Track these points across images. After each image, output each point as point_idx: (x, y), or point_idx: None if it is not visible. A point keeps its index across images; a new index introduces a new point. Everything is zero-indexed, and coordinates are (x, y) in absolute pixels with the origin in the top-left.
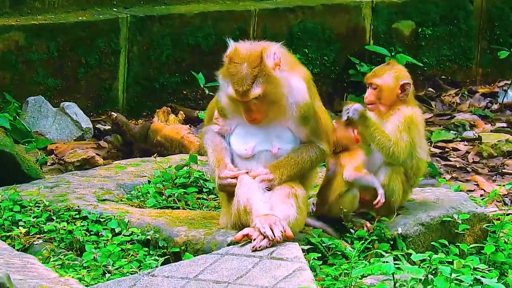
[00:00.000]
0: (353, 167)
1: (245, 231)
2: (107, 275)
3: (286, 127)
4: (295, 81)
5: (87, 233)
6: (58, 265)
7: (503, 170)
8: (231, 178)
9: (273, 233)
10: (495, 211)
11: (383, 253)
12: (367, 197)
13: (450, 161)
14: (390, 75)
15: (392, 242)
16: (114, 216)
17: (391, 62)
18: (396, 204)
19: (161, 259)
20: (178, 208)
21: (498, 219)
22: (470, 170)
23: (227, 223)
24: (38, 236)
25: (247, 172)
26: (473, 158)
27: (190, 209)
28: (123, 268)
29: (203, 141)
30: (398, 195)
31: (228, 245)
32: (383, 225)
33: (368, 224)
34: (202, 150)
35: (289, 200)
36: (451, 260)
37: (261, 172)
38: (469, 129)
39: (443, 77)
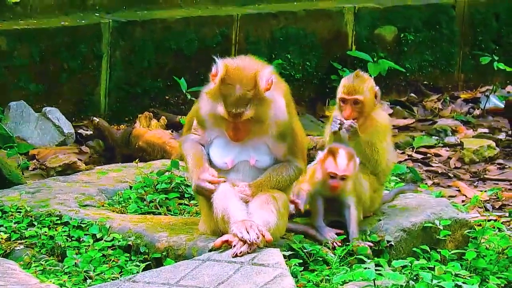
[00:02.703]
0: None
1: (225, 237)
2: (88, 280)
3: (263, 142)
4: (277, 99)
5: (68, 238)
6: (39, 270)
7: (484, 176)
8: (210, 182)
9: (249, 236)
10: (477, 217)
11: (365, 259)
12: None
13: (432, 166)
14: (367, 88)
15: (376, 248)
16: (96, 222)
17: (358, 74)
18: (367, 204)
19: (142, 265)
20: (159, 213)
21: (480, 225)
22: (452, 175)
23: (207, 229)
24: (19, 241)
25: (225, 181)
26: (455, 164)
27: (172, 215)
28: (104, 274)
29: (182, 148)
30: (368, 195)
31: (210, 251)
32: (368, 232)
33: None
34: (181, 158)
35: (268, 205)
36: (433, 266)
37: (241, 191)
38: (451, 134)
39: (425, 82)
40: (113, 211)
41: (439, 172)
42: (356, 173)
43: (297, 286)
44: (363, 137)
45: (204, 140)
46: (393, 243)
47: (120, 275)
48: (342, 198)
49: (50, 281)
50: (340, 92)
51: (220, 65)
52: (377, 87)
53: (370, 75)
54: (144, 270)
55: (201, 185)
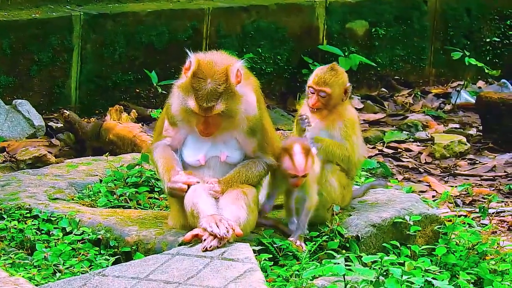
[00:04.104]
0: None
1: (195, 231)
2: (58, 274)
3: (233, 137)
4: (248, 94)
5: (38, 232)
6: (8, 264)
7: (455, 171)
8: (183, 183)
9: (219, 230)
10: (447, 212)
11: (335, 254)
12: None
13: (403, 161)
14: (338, 82)
15: (347, 245)
16: (65, 215)
17: (334, 67)
18: (337, 201)
19: (112, 259)
20: (129, 207)
21: (450, 221)
22: (423, 170)
23: (176, 224)
24: None
25: (198, 182)
26: (425, 159)
27: (142, 209)
28: (73, 268)
29: (153, 155)
30: (338, 192)
31: (179, 245)
32: (337, 227)
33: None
34: (152, 165)
35: (238, 200)
36: (403, 262)
37: (210, 188)
38: (421, 129)
39: (396, 77)
40: (83, 204)
41: (410, 167)
42: (324, 173)
43: (266, 281)
44: (330, 140)
45: (175, 141)
46: (359, 235)
47: (90, 269)
48: (300, 192)
49: (20, 274)
50: (310, 80)
51: (193, 59)
52: (349, 84)
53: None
54: (113, 264)
55: (174, 186)
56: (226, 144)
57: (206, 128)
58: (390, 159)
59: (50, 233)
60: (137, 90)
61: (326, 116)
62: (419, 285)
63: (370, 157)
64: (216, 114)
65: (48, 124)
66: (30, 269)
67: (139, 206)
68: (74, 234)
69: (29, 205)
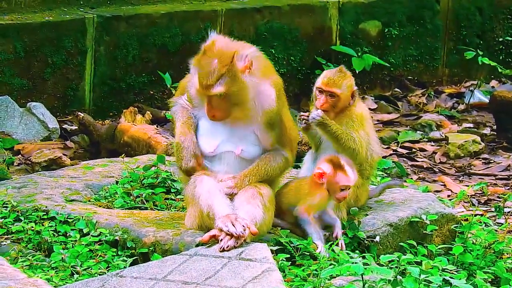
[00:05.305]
0: (306, 206)
1: (212, 232)
2: (75, 275)
3: (251, 131)
4: (265, 87)
5: (55, 233)
6: (26, 265)
7: (469, 171)
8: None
9: (235, 228)
10: (463, 211)
11: (352, 254)
12: None
13: (417, 161)
14: (346, 84)
15: (365, 248)
16: (82, 217)
17: (342, 69)
18: (351, 201)
19: (130, 260)
20: (146, 208)
21: (466, 220)
22: (437, 170)
23: (193, 225)
24: (6, 236)
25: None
26: (440, 159)
27: (158, 210)
28: (91, 269)
29: (172, 111)
30: (352, 191)
31: (197, 245)
32: (357, 229)
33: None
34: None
35: (254, 200)
36: (420, 261)
37: (226, 186)
38: (435, 129)
39: (409, 77)
40: (100, 206)
41: (424, 167)
42: None
43: (284, 281)
44: (337, 125)
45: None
46: (378, 239)
47: (107, 270)
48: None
49: (37, 276)
50: (319, 82)
51: (210, 38)
52: (356, 87)
53: (355, 71)
54: (131, 265)
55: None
56: (243, 138)
57: (211, 110)
58: (404, 159)
59: (67, 234)
60: (151, 92)
61: (333, 118)
62: (437, 284)
63: (384, 157)
64: (218, 97)
65: (63, 126)
66: (47, 270)
67: (155, 207)
68: (91, 235)
69: (46, 207)
